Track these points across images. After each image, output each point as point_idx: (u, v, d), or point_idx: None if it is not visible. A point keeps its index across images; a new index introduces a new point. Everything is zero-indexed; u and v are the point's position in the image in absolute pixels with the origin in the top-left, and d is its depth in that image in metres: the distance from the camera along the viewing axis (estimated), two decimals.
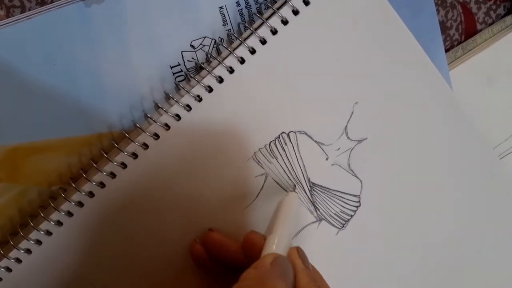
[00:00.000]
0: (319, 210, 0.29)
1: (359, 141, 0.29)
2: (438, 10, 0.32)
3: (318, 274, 0.22)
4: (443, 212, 0.33)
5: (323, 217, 0.29)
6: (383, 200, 0.31)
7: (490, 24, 0.36)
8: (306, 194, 0.28)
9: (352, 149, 0.29)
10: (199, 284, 0.26)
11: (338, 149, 0.29)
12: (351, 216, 0.30)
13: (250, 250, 0.23)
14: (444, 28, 0.34)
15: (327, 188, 0.29)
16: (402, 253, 0.32)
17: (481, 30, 0.36)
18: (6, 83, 0.22)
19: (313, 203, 0.29)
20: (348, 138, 0.29)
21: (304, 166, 0.28)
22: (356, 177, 0.30)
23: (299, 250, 0.21)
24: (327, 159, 0.29)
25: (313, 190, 0.29)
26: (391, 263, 0.32)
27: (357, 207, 0.30)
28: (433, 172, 0.32)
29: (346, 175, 0.29)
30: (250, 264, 0.20)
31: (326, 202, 0.29)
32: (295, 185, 0.28)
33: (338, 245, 0.30)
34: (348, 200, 0.30)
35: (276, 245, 0.21)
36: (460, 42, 0.35)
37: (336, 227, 0.30)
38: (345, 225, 0.30)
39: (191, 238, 0.26)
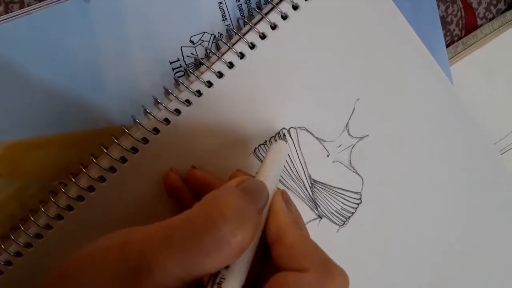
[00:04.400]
0: (320, 207, 0.29)
1: (361, 138, 0.29)
2: (438, 5, 0.32)
3: (301, 217, 0.21)
4: (444, 209, 0.33)
5: (324, 214, 0.29)
6: (384, 197, 0.31)
7: (491, 19, 0.36)
8: (307, 191, 0.28)
9: (353, 146, 0.29)
10: None
11: (339, 145, 0.29)
12: (352, 213, 0.30)
13: None
14: (444, 23, 0.34)
15: (328, 185, 0.29)
16: (403, 251, 0.32)
17: (481, 25, 0.36)
18: (5, 79, 0.22)
19: (314, 200, 0.29)
20: (350, 134, 0.29)
21: (305, 162, 0.28)
22: (357, 174, 0.30)
23: (283, 193, 0.20)
24: (328, 155, 0.29)
25: (314, 187, 0.29)
26: (392, 261, 0.32)
27: (358, 204, 0.30)
28: (434, 168, 0.32)
29: (347, 172, 0.29)
30: None
31: (327, 199, 0.29)
32: (284, 135, 0.27)
33: (339, 242, 0.30)
34: (349, 197, 0.30)
35: None
36: (460, 37, 0.35)
37: (337, 224, 0.30)
38: (346, 222, 0.30)
39: None
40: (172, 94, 0.24)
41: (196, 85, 0.25)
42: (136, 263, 0.14)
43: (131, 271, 0.14)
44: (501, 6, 0.36)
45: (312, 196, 0.29)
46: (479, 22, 0.35)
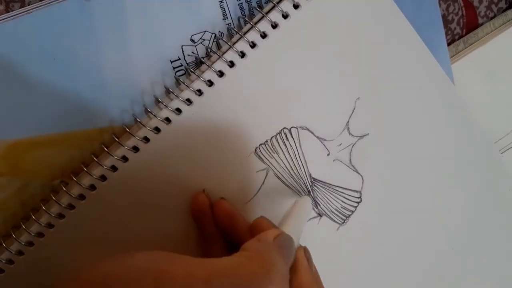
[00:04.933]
0: (320, 205, 0.29)
1: (361, 137, 0.29)
2: (439, 4, 0.32)
3: (319, 277, 0.22)
4: (444, 208, 0.33)
5: (324, 213, 0.29)
6: (384, 196, 0.31)
7: (492, 18, 0.36)
8: (307, 189, 0.28)
9: (353, 145, 0.29)
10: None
11: (340, 144, 0.29)
12: (352, 212, 0.30)
13: (257, 233, 0.22)
14: (445, 21, 0.34)
15: (328, 183, 0.29)
16: (402, 249, 0.32)
17: (482, 24, 0.35)
18: (6, 78, 0.22)
19: (314, 199, 0.29)
20: (350, 133, 0.29)
21: (305, 161, 0.28)
22: (357, 172, 0.30)
23: (305, 250, 0.21)
24: (328, 154, 0.29)
25: (314, 185, 0.29)
26: (392, 259, 0.32)
27: (358, 203, 0.30)
28: (434, 167, 0.32)
29: (348, 170, 0.29)
30: None
31: (327, 198, 0.29)
32: (309, 191, 0.28)
33: (338, 241, 0.30)
34: (349, 195, 0.30)
35: None
36: (461, 36, 0.35)
37: (337, 222, 0.30)
38: (346, 221, 0.30)
39: (192, 232, 0.26)
40: (173, 93, 0.24)
41: (197, 84, 0.25)
42: None
43: None
44: (502, 4, 0.36)
45: (312, 194, 0.29)
46: (480, 20, 0.35)
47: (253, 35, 0.25)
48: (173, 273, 0.14)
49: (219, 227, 0.25)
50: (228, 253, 0.23)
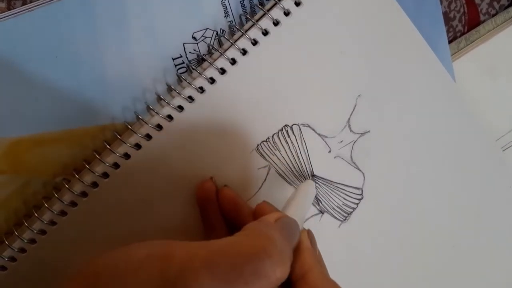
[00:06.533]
0: (321, 202, 0.29)
1: (362, 134, 0.29)
2: (441, 1, 0.32)
3: (322, 257, 0.22)
4: (445, 205, 0.33)
5: (326, 210, 0.29)
6: (386, 193, 0.31)
7: (493, 15, 0.36)
8: None
9: (354, 142, 0.29)
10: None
11: (341, 141, 0.29)
12: (354, 208, 0.30)
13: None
14: (447, 19, 0.34)
15: (330, 180, 0.29)
16: (404, 246, 0.32)
17: (484, 21, 0.35)
18: (8, 76, 0.22)
19: (315, 196, 0.29)
20: (351, 130, 0.29)
21: (307, 158, 0.28)
22: (359, 169, 0.30)
23: (309, 232, 0.21)
24: (330, 151, 0.29)
25: (316, 182, 0.29)
26: (393, 256, 0.32)
27: (359, 199, 0.30)
28: (435, 164, 0.32)
29: (349, 167, 0.29)
30: None
31: (328, 195, 0.29)
32: (313, 174, 0.28)
33: (340, 238, 0.30)
34: (351, 192, 0.30)
35: None
36: (463, 33, 0.35)
37: (339, 219, 0.30)
38: (347, 218, 0.30)
39: (195, 228, 0.26)
40: (175, 91, 0.24)
41: (199, 82, 0.25)
42: (174, 280, 0.14)
43: (167, 286, 0.14)
44: (504, 2, 0.36)
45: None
46: (482, 18, 0.35)
47: (254, 33, 0.25)
48: (175, 256, 0.14)
49: (223, 214, 0.25)
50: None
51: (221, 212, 0.25)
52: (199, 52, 0.26)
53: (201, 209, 0.26)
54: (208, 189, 0.25)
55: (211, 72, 0.25)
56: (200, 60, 0.26)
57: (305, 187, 0.25)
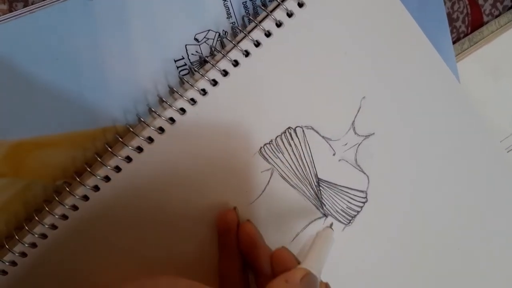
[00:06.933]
0: (325, 205, 0.29)
1: (366, 137, 0.29)
2: (444, 2, 0.32)
3: None
4: (450, 207, 0.32)
5: (330, 213, 0.29)
6: (390, 196, 0.30)
7: (497, 16, 0.36)
8: (313, 189, 0.28)
9: (359, 145, 0.29)
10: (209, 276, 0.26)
11: (345, 144, 0.29)
12: (358, 212, 0.30)
13: (278, 264, 0.23)
14: (450, 20, 0.33)
15: (334, 183, 0.29)
16: (409, 249, 0.32)
17: (487, 22, 0.35)
18: (9, 78, 0.22)
19: (319, 199, 0.28)
20: (355, 133, 0.29)
21: (310, 161, 0.28)
22: (363, 172, 0.29)
23: (327, 286, 0.21)
24: (334, 154, 0.28)
25: (320, 185, 0.28)
26: (398, 259, 0.31)
27: (363, 203, 0.30)
28: (440, 166, 0.31)
29: (353, 170, 0.29)
30: (274, 274, 0.20)
31: (332, 198, 0.29)
32: (332, 223, 0.28)
33: (344, 241, 0.30)
34: (355, 196, 0.29)
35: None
36: (466, 34, 0.35)
37: (343, 223, 0.29)
38: (351, 221, 0.30)
39: (196, 232, 0.26)
40: (177, 93, 0.24)
41: (202, 84, 0.25)
42: None
43: None
44: (508, 3, 0.36)
45: (317, 195, 0.28)
46: (485, 19, 0.35)
47: (257, 34, 0.25)
48: None
49: (240, 247, 0.25)
50: (243, 273, 0.24)
51: (239, 245, 0.25)
52: (201, 53, 0.26)
53: (220, 237, 0.26)
54: (231, 220, 0.25)
55: (213, 74, 0.25)
56: (203, 62, 0.26)
57: (325, 235, 0.25)
